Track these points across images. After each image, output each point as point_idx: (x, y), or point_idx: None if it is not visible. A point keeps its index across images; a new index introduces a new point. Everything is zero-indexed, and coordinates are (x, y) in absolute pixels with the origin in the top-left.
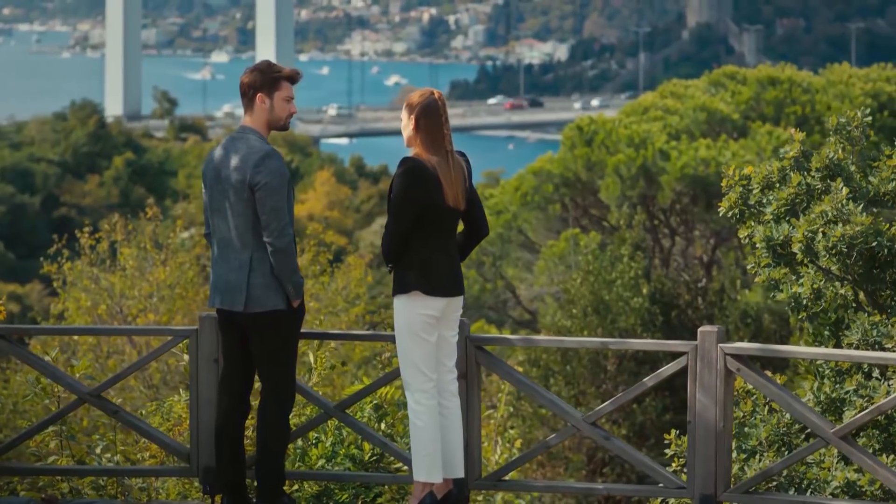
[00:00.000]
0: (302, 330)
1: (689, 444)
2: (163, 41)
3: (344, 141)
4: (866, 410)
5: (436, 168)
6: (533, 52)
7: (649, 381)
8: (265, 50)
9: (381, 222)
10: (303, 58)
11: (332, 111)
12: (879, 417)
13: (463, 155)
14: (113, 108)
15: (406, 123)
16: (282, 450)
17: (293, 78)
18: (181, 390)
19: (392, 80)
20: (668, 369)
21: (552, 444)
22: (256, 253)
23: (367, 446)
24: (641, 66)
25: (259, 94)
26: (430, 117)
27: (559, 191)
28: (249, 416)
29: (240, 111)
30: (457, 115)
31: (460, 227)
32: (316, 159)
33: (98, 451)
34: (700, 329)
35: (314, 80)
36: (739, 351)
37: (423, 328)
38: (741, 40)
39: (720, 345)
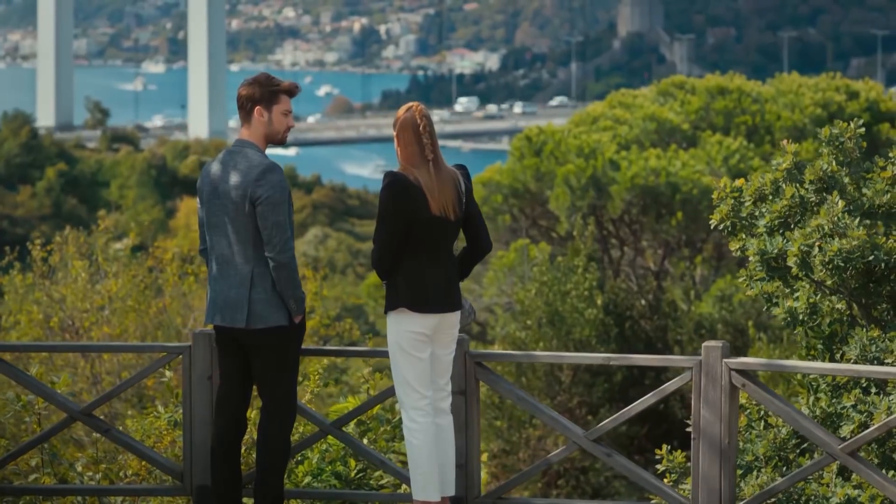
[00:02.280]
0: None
1: (693, 460)
2: (93, 51)
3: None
4: (875, 426)
5: (418, 179)
6: (464, 62)
7: (652, 396)
8: (197, 60)
9: (314, 232)
10: (234, 68)
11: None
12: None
13: (463, 168)
14: (45, 118)
15: (395, 142)
16: (282, 468)
17: (291, 91)
18: (160, 406)
19: (323, 90)
20: (671, 385)
21: (554, 460)
22: (257, 268)
23: (352, 463)
24: (573, 75)
25: (258, 107)
26: (407, 130)
27: (508, 201)
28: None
29: (171, 121)
30: (389, 124)
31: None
32: None
33: (79, 468)
34: (704, 344)
35: None
36: (744, 366)
37: (413, 345)
38: (672, 49)
39: (725, 360)
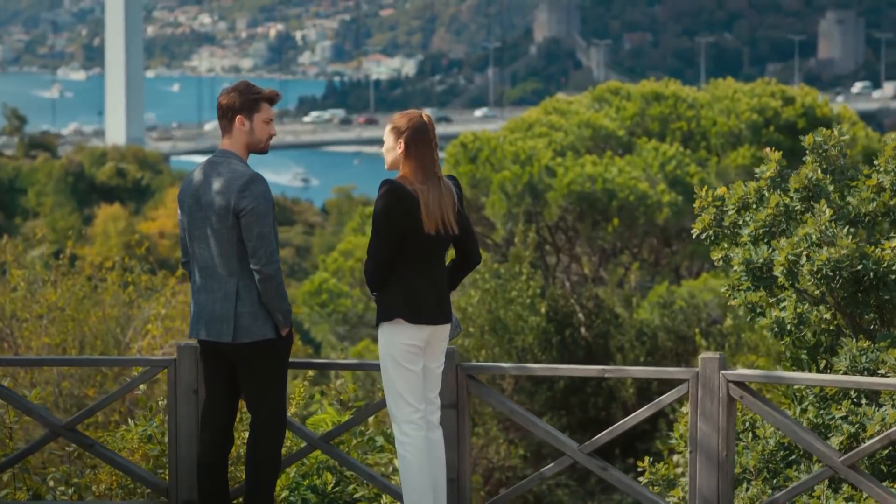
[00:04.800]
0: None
1: (690, 473)
2: (9, 58)
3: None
4: (877, 438)
5: (417, 192)
6: (381, 68)
7: (648, 409)
8: (114, 66)
9: None
10: (150, 74)
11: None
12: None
13: (453, 179)
14: None
15: (391, 146)
16: (273, 482)
17: (273, 99)
18: (130, 420)
19: None
20: (668, 397)
21: (547, 474)
22: (242, 281)
23: (328, 476)
24: (490, 80)
25: (239, 116)
26: (420, 141)
27: None
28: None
29: (88, 128)
30: (307, 130)
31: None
32: (167, 176)
33: (51, 483)
34: (701, 356)
35: (163, 96)
36: (742, 378)
37: (406, 357)
38: (589, 55)
39: (722, 371)
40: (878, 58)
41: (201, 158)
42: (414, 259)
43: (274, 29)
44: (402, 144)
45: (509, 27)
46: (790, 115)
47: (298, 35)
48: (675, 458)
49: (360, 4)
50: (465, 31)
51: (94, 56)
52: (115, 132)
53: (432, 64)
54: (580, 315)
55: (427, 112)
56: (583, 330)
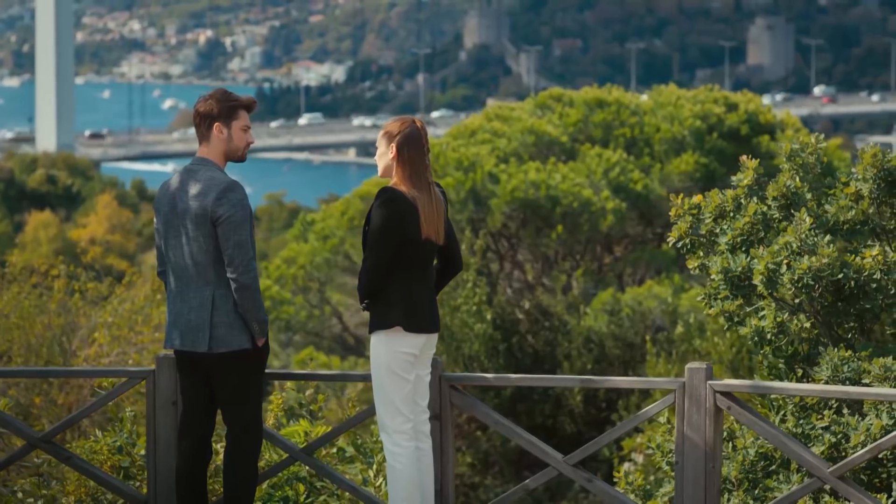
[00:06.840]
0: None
1: (677, 485)
2: None
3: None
4: (866, 448)
5: (415, 200)
6: (310, 74)
7: (635, 420)
8: (44, 73)
9: None
10: (79, 80)
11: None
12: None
13: (439, 186)
14: None
15: (384, 152)
16: (251, 494)
17: (250, 107)
18: (98, 431)
19: (167, 103)
20: (654, 407)
21: (532, 486)
22: (218, 290)
23: (301, 487)
24: (420, 87)
25: (217, 124)
26: (412, 147)
27: None
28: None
29: (18, 132)
30: None
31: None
32: (97, 182)
33: (20, 495)
34: (688, 366)
35: (94, 102)
36: (729, 388)
37: (402, 366)
38: (518, 61)
39: (709, 382)
40: (807, 64)
41: (132, 165)
42: (411, 267)
43: (203, 35)
44: (394, 149)
45: (439, 33)
46: (733, 122)
47: (228, 41)
48: (626, 465)
49: (290, 11)
50: (394, 38)
51: (23, 63)
52: (46, 138)
53: (362, 70)
54: (526, 322)
55: (419, 118)
56: (529, 337)
